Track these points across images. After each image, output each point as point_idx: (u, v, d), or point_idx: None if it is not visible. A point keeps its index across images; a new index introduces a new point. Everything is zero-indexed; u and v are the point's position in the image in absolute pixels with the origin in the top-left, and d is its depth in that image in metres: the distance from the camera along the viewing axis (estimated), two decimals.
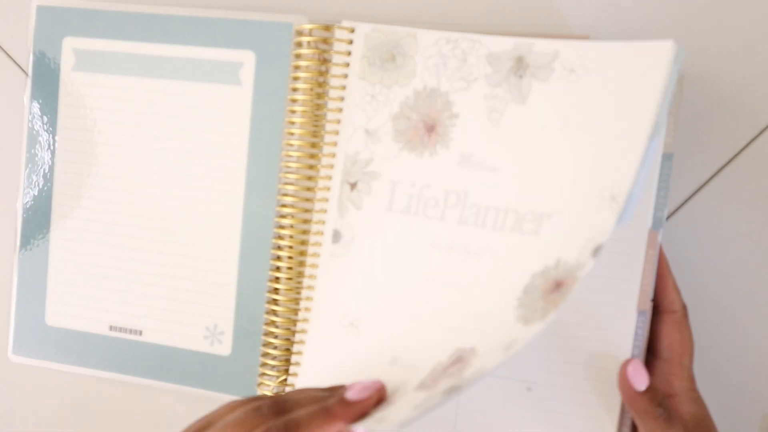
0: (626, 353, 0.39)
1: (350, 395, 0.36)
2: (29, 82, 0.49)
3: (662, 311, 0.40)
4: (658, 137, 0.36)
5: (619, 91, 0.37)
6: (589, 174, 0.37)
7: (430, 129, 0.41)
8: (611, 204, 0.35)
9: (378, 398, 0.37)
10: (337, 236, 0.43)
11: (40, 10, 0.48)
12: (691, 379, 0.39)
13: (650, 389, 0.37)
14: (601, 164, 0.36)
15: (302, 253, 0.45)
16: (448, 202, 0.40)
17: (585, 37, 0.42)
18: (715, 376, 0.45)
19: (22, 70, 0.50)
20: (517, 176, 0.39)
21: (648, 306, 0.39)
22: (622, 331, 0.39)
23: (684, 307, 0.40)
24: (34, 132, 0.49)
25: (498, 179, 0.40)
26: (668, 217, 0.45)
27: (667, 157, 0.40)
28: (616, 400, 0.40)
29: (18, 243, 0.50)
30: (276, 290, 0.45)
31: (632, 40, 0.37)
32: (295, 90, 0.45)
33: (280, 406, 0.35)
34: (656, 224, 0.39)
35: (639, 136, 0.35)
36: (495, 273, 0.39)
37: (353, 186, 0.43)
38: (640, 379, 0.37)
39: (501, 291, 0.38)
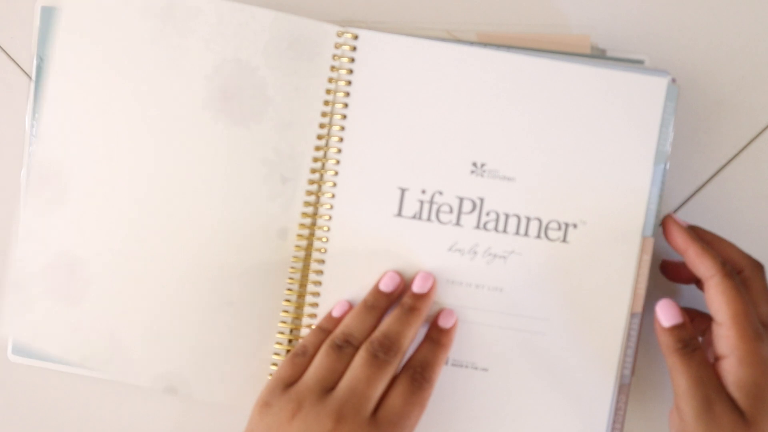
0: (615, 355, 0.42)
1: (442, 322, 0.43)
2: (32, 84, 0.49)
3: (703, 281, 0.40)
4: (661, 161, 0.41)
5: (621, 117, 0.41)
6: (606, 190, 0.42)
7: None
8: (630, 220, 0.41)
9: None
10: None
11: (44, 11, 0.48)
12: (749, 340, 0.37)
13: (676, 327, 0.39)
14: (611, 183, 0.42)
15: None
16: (463, 209, 0.42)
17: (586, 38, 0.43)
18: None
19: (25, 72, 0.50)
20: (534, 186, 0.42)
21: (641, 308, 0.42)
22: (614, 332, 0.42)
23: (722, 269, 0.39)
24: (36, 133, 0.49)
25: (515, 188, 0.42)
26: None
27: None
28: (605, 403, 0.42)
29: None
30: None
31: (631, 68, 0.41)
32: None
33: (391, 346, 0.40)
34: (649, 230, 0.41)
35: (644, 160, 0.41)
36: (530, 275, 0.43)
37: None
38: (667, 316, 0.40)
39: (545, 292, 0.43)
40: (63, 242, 0.45)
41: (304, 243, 0.44)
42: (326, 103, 0.44)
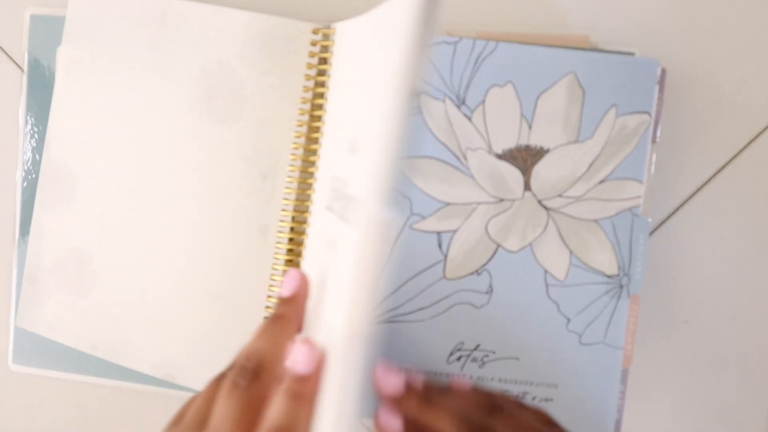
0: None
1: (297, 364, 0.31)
2: (25, 78, 0.48)
3: None
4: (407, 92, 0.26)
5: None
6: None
7: None
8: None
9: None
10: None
11: (34, 19, 0.48)
12: None
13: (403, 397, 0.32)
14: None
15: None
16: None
17: (585, 38, 0.42)
18: (716, 376, 0.45)
19: (18, 66, 0.50)
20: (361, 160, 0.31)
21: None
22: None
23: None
24: (29, 134, 0.49)
25: (357, 164, 0.31)
26: (668, 218, 0.45)
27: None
28: None
29: (15, 241, 0.50)
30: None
31: None
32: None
33: (253, 369, 0.31)
34: None
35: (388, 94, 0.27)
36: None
37: None
38: (389, 382, 0.31)
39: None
40: (72, 238, 0.47)
41: (285, 239, 0.45)
42: (303, 100, 0.44)
